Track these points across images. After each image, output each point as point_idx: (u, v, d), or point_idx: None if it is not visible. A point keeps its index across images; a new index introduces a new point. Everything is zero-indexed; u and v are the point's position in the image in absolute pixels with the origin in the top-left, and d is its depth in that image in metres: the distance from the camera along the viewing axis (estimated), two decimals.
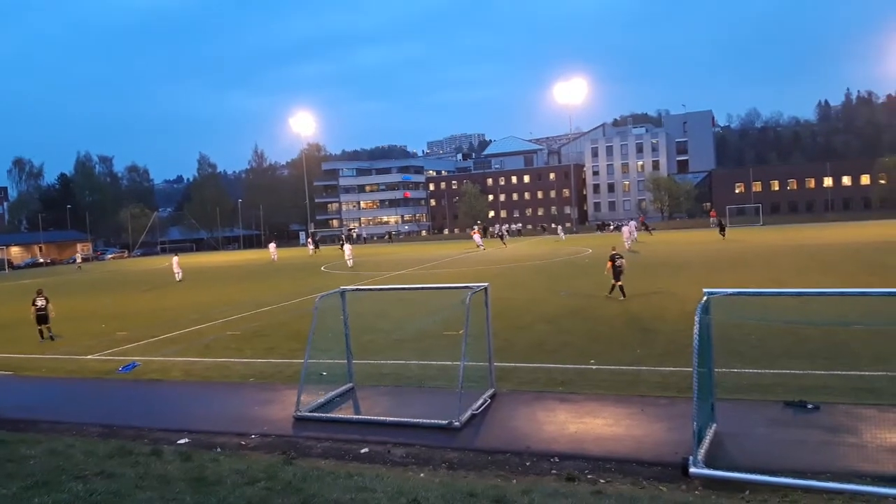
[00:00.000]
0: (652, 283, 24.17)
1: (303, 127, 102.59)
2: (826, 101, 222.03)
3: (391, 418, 9.79)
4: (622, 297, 20.18)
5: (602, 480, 7.22)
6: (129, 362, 15.21)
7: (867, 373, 10.55)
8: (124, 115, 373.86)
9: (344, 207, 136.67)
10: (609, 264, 20.99)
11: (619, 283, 20.65)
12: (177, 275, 41.15)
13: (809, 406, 8.98)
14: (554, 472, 7.59)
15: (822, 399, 9.32)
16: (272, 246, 66.31)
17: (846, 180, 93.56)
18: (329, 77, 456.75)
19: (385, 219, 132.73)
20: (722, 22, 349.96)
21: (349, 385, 11.55)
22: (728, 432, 8.35)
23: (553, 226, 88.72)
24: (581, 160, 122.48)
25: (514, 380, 11.57)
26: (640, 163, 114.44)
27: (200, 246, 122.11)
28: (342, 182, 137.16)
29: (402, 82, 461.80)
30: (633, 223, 56.94)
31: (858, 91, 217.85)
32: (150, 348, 17.23)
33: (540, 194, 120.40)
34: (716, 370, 8.96)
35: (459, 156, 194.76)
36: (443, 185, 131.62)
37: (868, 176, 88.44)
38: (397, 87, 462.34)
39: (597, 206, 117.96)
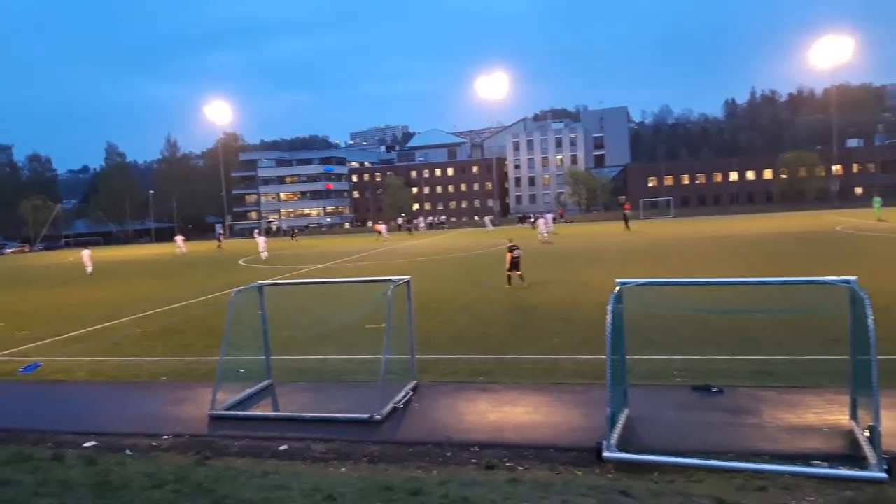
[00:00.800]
0: (570, 274, 24.82)
1: (218, 116, 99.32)
2: (733, 100, 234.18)
3: (311, 414, 9.63)
4: (524, 284, 21.55)
5: (520, 468, 7.36)
6: (30, 363, 14.31)
7: (767, 357, 11.21)
8: (24, 102, 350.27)
9: (263, 199, 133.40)
10: (508, 255, 22.19)
11: (519, 272, 21.99)
12: (87, 268, 39.65)
13: (714, 390, 9.46)
14: (474, 461, 7.68)
15: (726, 383, 9.83)
16: (179, 238, 64.08)
17: (750, 175, 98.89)
18: (246, 66, 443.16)
19: (306, 211, 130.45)
20: (636, 21, 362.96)
21: (267, 382, 11.29)
22: (640, 416, 8.68)
23: (480, 218, 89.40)
24: (503, 154, 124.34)
25: (436, 371, 11.62)
26: (560, 157, 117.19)
27: (109, 239, 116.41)
28: (261, 173, 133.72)
29: (323, 73, 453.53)
30: (549, 216, 58.13)
31: (763, 90, 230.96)
32: (54, 348, 16.27)
33: (463, 187, 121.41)
34: (629, 357, 9.30)
35: (383, 147, 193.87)
36: (366, 176, 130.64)
37: (771, 171, 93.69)
38: (319, 78, 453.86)
39: (518, 198, 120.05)
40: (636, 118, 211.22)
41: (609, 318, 7.91)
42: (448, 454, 7.95)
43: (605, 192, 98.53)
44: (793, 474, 6.64)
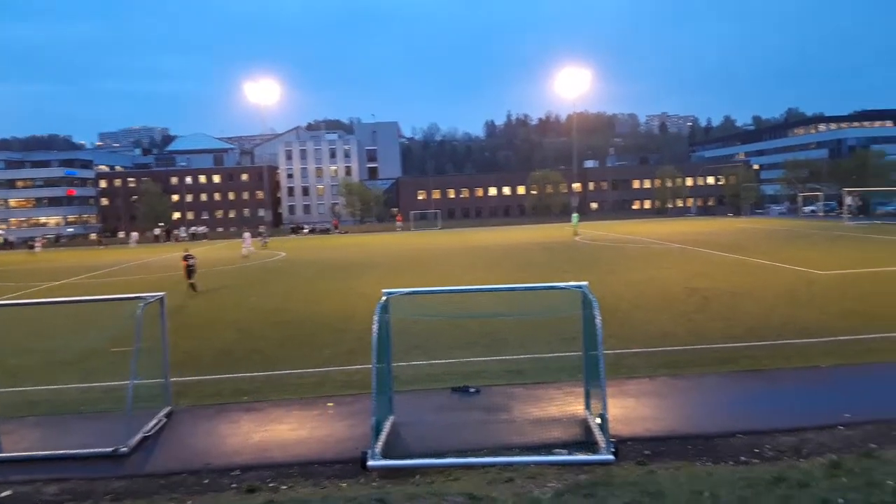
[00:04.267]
0: (344, 284, 24.87)
1: None
2: (492, 121, 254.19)
3: (42, 452, 8.43)
4: (194, 292, 23.07)
5: (284, 487, 7.16)
6: None
7: (517, 356, 12.24)
8: None
9: None
10: (183, 264, 24.05)
11: (192, 280, 23.68)
12: None
13: (472, 390, 10.10)
14: (234, 486, 7.30)
15: (482, 382, 10.55)
16: None
17: (507, 190, 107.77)
18: None
19: (43, 220, 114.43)
20: (409, 41, 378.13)
21: None
22: (404, 422, 8.95)
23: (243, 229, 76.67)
24: (275, 162, 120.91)
25: (196, 394, 10.87)
26: (334, 167, 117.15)
27: None
28: None
29: (67, 64, 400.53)
30: (248, 233, 52.82)
31: (517, 114, 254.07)
32: None
33: (232, 196, 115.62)
34: (395, 364, 9.55)
35: (139, 151, 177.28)
36: (118, 182, 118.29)
37: (524, 187, 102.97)
38: (61, 70, 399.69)
39: (291, 209, 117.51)
40: (407, 133, 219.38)
41: (374, 327, 8.05)
42: (206, 482, 7.46)
43: (379, 204, 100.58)
44: (537, 464, 7.31)
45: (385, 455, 7.67)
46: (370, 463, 7.44)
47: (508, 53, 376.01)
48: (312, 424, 9.21)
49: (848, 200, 57.29)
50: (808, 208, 72.07)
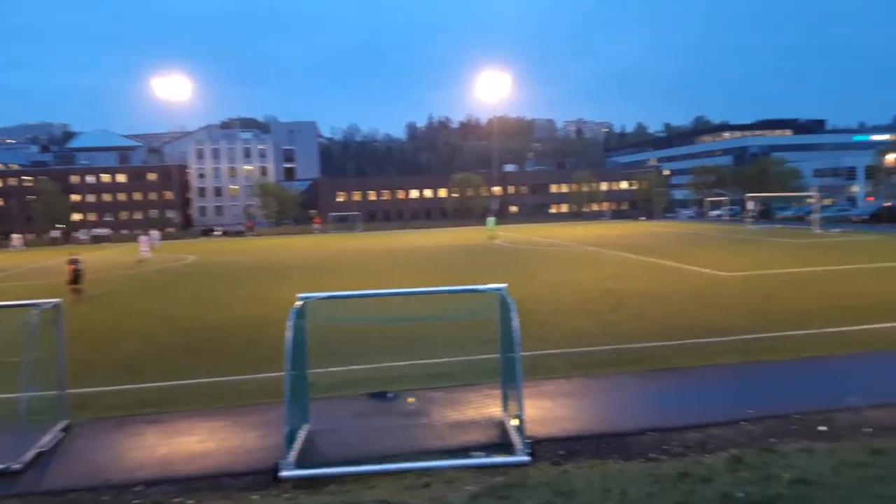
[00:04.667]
0: (258, 289, 24.16)
1: None
2: (414, 123, 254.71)
3: None
4: (78, 297, 22.50)
5: (191, 501, 6.81)
6: None
7: (437, 360, 12.21)
8: None
9: None
10: (70, 268, 23.31)
11: (78, 286, 23.12)
12: None
13: (390, 395, 9.96)
14: (136, 501, 6.89)
15: (402, 387, 10.43)
16: None
17: (428, 193, 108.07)
18: None
19: None
20: (328, 38, 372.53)
21: None
22: (320, 430, 8.71)
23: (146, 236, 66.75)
24: (185, 161, 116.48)
25: (95, 407, 10.22)
26: (248, 167, 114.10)
27: None
28: None
29: None
30: (152, 234, 53.98)
31: (438, 116, 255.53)
32: None
33: (138, 196, 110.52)
34: (312, 371, 9.29)
35: (36, 148, 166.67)
36: (13, 181, 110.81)
37: (445, 189, 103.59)
38: None
39: (203, 210, 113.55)
40: (326, 134, 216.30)
41: (289, 333, 7.80)
42: (105, 498, 7.00)
43: (296, 206, 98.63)
44: (454, 467, 7.26)
45: (299, 465, 7.44)
46: (282, 473, 7.19)
47: (430, 55, 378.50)
48: (222, 435, 8.83)
49: (750, 205, 60.71)
50: (714, 213, 75.89)
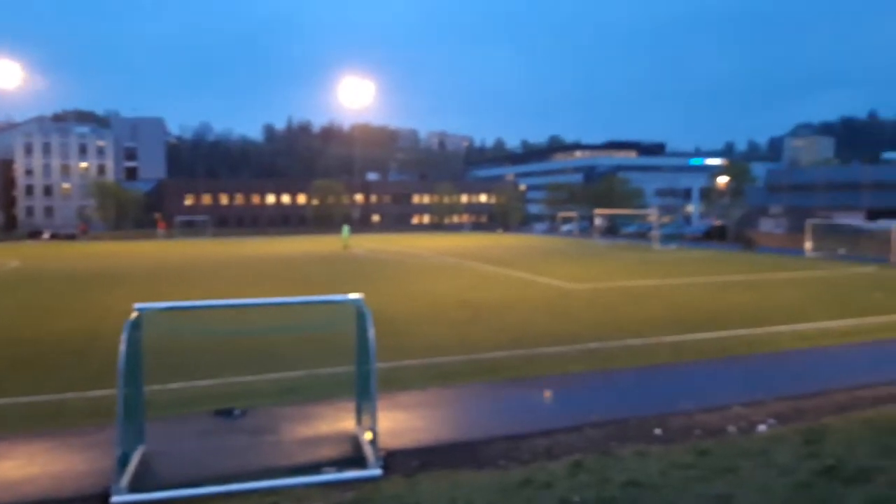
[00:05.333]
0: (91, 299, 22.13)
1: None
2: (272, 125, 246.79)
3: None
4: None
5: None
6: None
7: (291, 373, 11.76)
8: None
9: None
10: None
11: None
12: None
13: (237, 412, 9.43)
14: None
15: (251, 403, 9.91)
16: None
17: (286, 199, 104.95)
18: None
19: None
20: (180, 29, 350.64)
21: None
22: (158, 451, 8.07)
23: None
24: (11, 155, 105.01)
25: None
26: (84, 165, 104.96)
27: None
28: None
29: None
30: None
31: (299, 119, 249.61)
32: None
33: None
34: (150, 388, 8.59)
35: None
36: None
37: (305, 196, 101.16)
38: None
39: (30, 210, 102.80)
40: (174, 132, 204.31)
41: (123, 347, 7.18)
42: None
43: (138, 208, 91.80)
44: (304, 485, 6.98)
45: (133, 489, 6.82)
46: (113, 499, 6.57)
47: (292, 56, 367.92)
48: (46, 459, 7.91)
49: (598, 221, 64.80)
50: (565, 227, 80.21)
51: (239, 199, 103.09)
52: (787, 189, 59.90)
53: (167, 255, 45.54)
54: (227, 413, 9.37)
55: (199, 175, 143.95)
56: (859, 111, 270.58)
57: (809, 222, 43.26)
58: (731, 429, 8.88)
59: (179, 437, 8.65)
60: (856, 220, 47.21)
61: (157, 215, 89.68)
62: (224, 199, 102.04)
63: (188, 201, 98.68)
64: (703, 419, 9.33)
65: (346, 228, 54.29)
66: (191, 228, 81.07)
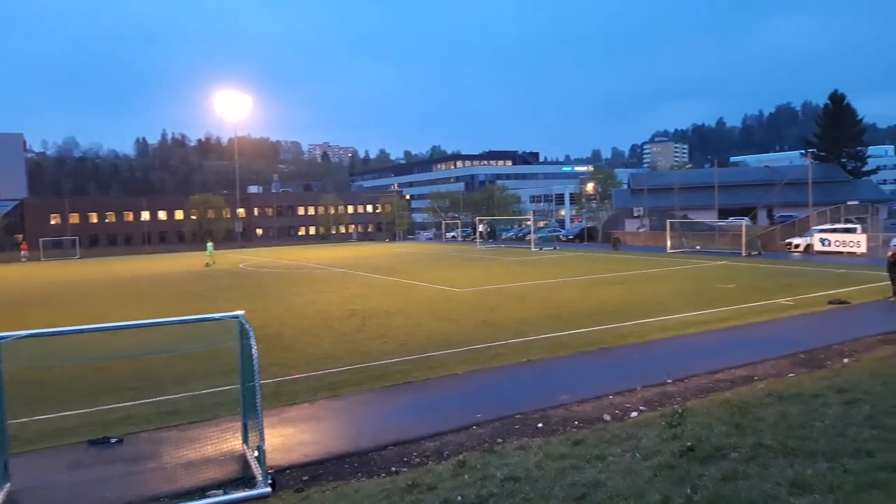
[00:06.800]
0: None
1: None
2: (144, 139, 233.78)
3: None
4: None
5: None
6: None
7: (171, 396, 11.31)
8: None
9: None
10: None
11: None
12: None
13: (114, 440, 9.00)
14: None
15: (127, 430, 9.47)
16: None
17: (163, 215, 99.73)
18: None
19: None
20: (40, 41, 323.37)
21: None
22: (27, 487, 7.58)
23: None
24: None
25: None
26: None
27: None
28: None
29: None
30: None
31: (174, 133, 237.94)
32: None
33: None
34: (14, 422, 8.04)
35: None
36: None
37: (182, 211, 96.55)
38: None
39: None
40: (36, 148, 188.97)
41: None
42: None
43: None
44: None
45: None
46: None
47: (165, 68, 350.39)
48: None
49: (480, 227, 66.56)
50: (449, 234, 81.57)
51: (110, 216, 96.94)
52: (649, 192, 64.17)
53: (33, 278, 42.06)
54: (102, 442, 8.91)
55: (65, 193, 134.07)
56: (709, 119, 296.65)
57: (669, 222, 46.65)
58: (606, 417, 9.51)
59: (50, 472, 8.14)
60: (709, 218, 51.41)
61: (18, 237, 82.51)
62: (94, 218, 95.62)
63: (54, 221, 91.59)
64: (581, 410, 9.92)
65: (210, 245, 52.21)
66: (58, 249, 75.12)
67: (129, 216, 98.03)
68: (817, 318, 17.27)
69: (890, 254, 20.38)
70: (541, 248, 51.06)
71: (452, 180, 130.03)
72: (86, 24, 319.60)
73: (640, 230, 59.37)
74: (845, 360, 12.24)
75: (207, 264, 46.93)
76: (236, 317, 8.19)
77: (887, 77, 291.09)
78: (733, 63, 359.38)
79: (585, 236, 60.07)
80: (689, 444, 6.54)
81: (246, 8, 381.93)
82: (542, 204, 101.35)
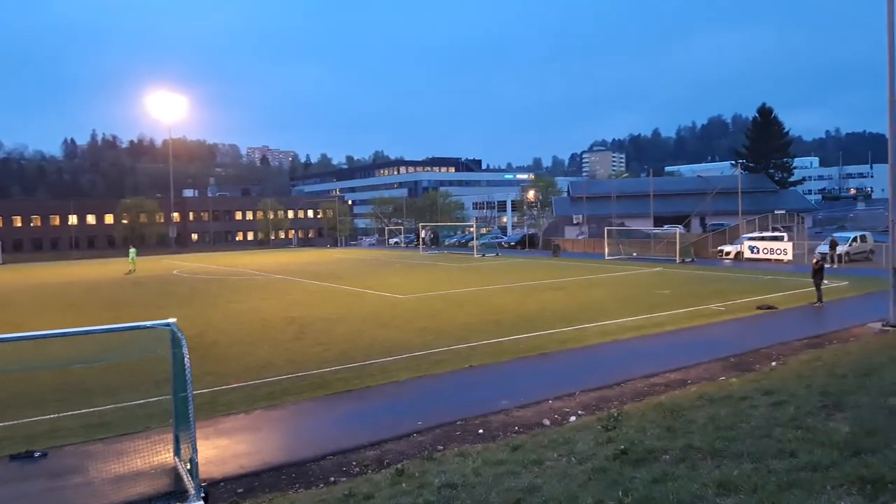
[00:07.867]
0: None
1: None
2: (73, 140, 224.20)
3: None
4: None
5: None
6: None
7: (99, 408, 10.85)
8: None
9: None
10: None
11: None
12: None
13: (37, 454, 8.57)
14: None
15: (52, 444, 9.04)
16: None
17: (91, 219, 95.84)
18: None
19: None
20: None
21: None
22: None
23: None
24: None
25: None
26: None
27: None
28: None
29: None
30: None
31: (104, 134, 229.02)
32: None
33: None
34: None
35: None
36: None
37: (112, 215, 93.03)
38: None
39: None
40: None
41: None
42: None
43: None
44: None
45: None
46: None
47: (95, 67, 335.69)
48: None
49: (423, 233, 66.54)
50: (392, 240, 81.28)
51: (35, 220, 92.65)
52: (588, 200, 65.59)
53: None
54: (25, 456, 8.46)
55: None
56: (645, 129, 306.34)
57: (607, 229, 47.82)
58: (546, 422, 9.63)
59: None
60: (645, 225, 52.93)
61: None
62: (17, 221, 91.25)
63: None
64: (521, 415, 10.02)
65: (132, 252, 50.39)
66: None
67: (56, 220, 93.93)
68: (747, 322, 17.98)
69: (815, 261, 21.47)
70: (483, 255, 51.41)
71: (395, 186, 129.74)
72: (9, 21, 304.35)
73: (580, 237, 60.59)
74: (773, 364, 12.78)
75: (130, 271, 45.17)
76: (168, 325, 7.91)
77: (812, 92, 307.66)
78: (668, 75, 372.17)
79: (527, 243, 60.88)
80: (622, 447, 6.68)
81: (182, 6, 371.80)
82: (484, 211, 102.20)
